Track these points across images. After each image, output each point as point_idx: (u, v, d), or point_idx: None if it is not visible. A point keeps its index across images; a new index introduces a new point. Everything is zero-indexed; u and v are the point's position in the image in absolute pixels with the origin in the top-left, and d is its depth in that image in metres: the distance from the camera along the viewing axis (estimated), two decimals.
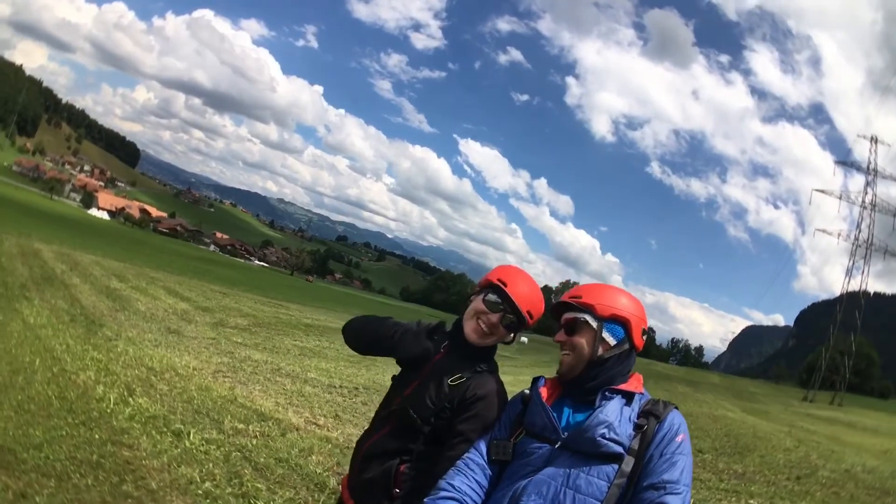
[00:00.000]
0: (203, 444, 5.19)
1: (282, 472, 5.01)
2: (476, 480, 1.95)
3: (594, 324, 2.04)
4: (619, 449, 1.79)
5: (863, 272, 76.98)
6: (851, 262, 77.77)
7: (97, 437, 4.68)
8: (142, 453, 4.61)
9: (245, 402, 7.16)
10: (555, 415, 1.96)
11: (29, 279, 12.73)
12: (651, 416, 1.89)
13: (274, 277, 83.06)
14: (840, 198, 77.92)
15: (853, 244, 77.24)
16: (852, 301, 77.73)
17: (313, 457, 5.58)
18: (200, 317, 14.94)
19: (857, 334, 77.91)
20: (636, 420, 1.88)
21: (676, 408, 1.98)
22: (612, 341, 2.05)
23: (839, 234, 79.05)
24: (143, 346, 9.03)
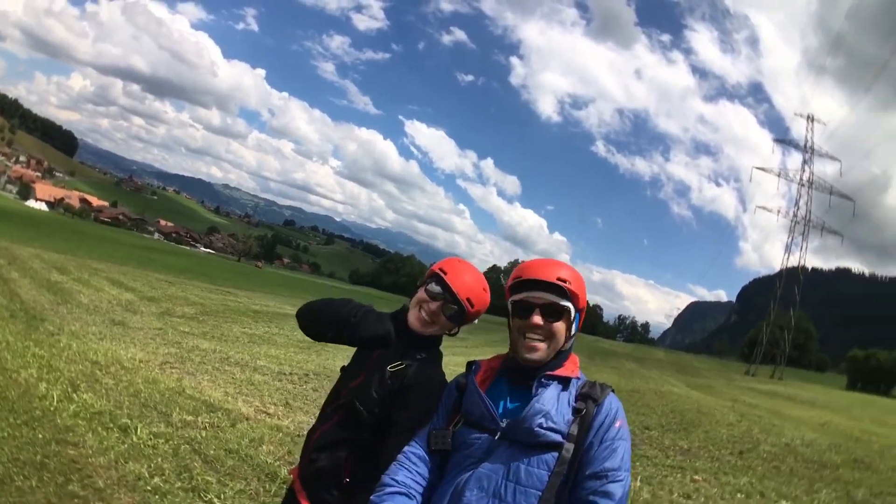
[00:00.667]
0: (151, 439, 5.15)
1: (232, 463, 5.02)
2: (419, 472, 1.95)
3: (572, 315, 2.01)
4: (558, 437, 1.80)
5: (801, 248, 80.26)
6: (790, 238, 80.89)
7: (41, 436, 4.61)
8: (88, 451, 4.56)
9: (193, 393, 7.11)
10: (491, 404, 1.92)
11: None
12: (589, 399, 1.89)
13: (221, 264, 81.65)
14: (779, 175, 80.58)
15: (792, 221, 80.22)
16: (791, 277, 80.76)
17: (264, 447, 5.60)
18: (146, 307, 14.66)
19: (797, 309, 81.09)
20: (574, 404, 1.88)
21: (613, 390, 1.98)
22: (573, 331, 2.05)
23: (779, 211, 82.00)
24: (86, 339, 8.85)
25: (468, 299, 2.23)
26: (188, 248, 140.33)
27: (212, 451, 5.18)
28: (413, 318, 2.26)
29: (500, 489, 1.78)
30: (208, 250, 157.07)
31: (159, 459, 4.73)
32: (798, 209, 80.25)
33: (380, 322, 2.25)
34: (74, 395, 5.82)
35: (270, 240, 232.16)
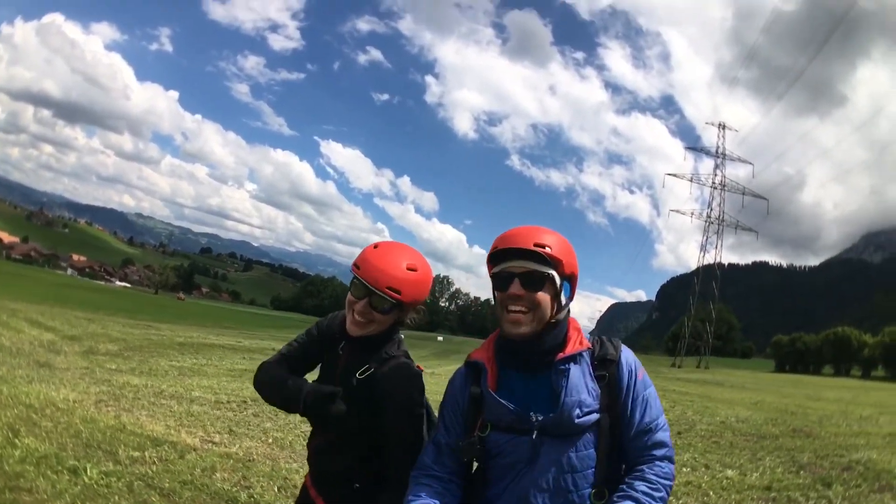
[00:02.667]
0: (103, 478, 5.17)
1: (189, 494, 5.11)
2: (444, 487, 1.96)
3: (558, 281, 1.92)
4: (595, 416, 1.85)
5: (716, 246, 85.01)
6: (705, 237, 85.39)
7: None
8: (42, 496, 4.57)
9: (135, 428, 7.08)
10: (512, 407, 1.87)
11: None
12: (606, 361, 1.92)
13: (139, 298, 78.70)
14: (691, 180, 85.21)
15: (706, 221, 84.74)
16: (708, 273, 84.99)
17: (217, 474, 5.70)
18: (69, 346, 14.21)
19: (716, 303, 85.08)
20: (595, 374, 1.91)
21: (618, 340, 2.01)
22: (563, 300, 1.95)
23: (692, 213, 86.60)
24: (15, 383, 8.59)
25: (389, 288, 2.09)
26: (104, 282, 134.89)
27: (167, 484, 5.24)
28: (349, 323, 2.19)
29: (561, 482, 1.82)
30: (124, 284, 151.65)
31: (116, 497, 4.78)
32: (711, 210, 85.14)
33: (322, 398, 2.15)
34: (16, 440, 5.73)
35: (187, 269, 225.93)
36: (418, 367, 2.29)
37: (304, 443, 2.28)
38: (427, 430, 2.24)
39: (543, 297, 1.89)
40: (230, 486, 5.35)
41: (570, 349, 1.93)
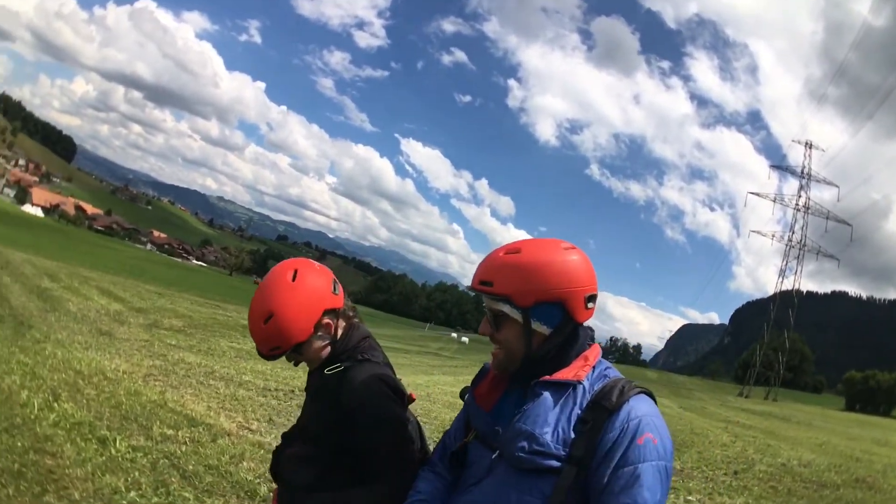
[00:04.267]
0: (129, 452, 5.13)
1: (211, 479, 4.99)
2: (443, 485, 1.82)
3: (517, 316, 1.66)
4: (551, 462, 1.48)
5: (796, 272, 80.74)
6: (785, 262, 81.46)
7: (20, 444, 4.59)
8: (65, 461, 4.54)
9: (175, 406, 7.08)
10: (490, 419, 1.72)
11: None
12: (599, 407, 1.52)
13: (212, 277, 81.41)
14: (774, 200, 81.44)
15: (787, 245, 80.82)
16: (785, 300, 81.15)
17: (244, 463, 5.57)
18: (134, 318, 14.61)
19: (791, 332, 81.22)
20: (580, 414, 1.53)
21: (646, 392, 1.60)
22: (545, 330, 1.66)
23: (773, 236, 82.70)
24: (72, 348, 8.82)
25: (259, 350, 2.07)
26: (180, 259, 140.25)
27: (191, 467, 5.15)
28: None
29: None
30: (200, 263, 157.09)
31: (137, 473, 4.70)
32: (793, 234, 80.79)
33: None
34: (55, 405, 5.79)
35: (263, 254, 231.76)
36: (410, 393, 2.17)
37: None
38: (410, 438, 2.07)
39: (506, 335, 1.71)
40: (253, 478, 5.19)
41: (560, 374, 1.62)
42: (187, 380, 8.88)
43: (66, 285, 16.73)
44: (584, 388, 1.59)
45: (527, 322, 1.65)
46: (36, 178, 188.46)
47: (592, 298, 1.69)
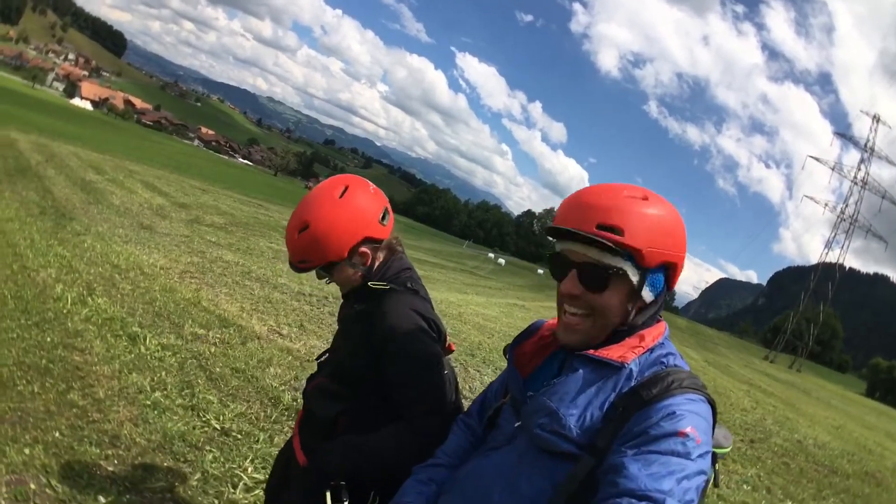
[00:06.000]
0: (158, 350, 5.16)
1: (236, 383, 5.01)
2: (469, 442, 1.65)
3: (635, 277, 1.35)
4: (569, 447, 1.29)
5: (842, 246, 79.06)
6: (833, 234, 79.79)
7: (49, 339, 4.62)
8: (93, 358, 4.57)
9: (209, 305, 7.12)
10: (524, 385, 1.49)
11: (2, 170, 12.39)
12: (635, 396, 1.28)
13: (257, 177, 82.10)
14: (833, 169, 78.90)
15: (838, 217, 78.87)
16: (827, 272, 79.94)
17: (271, 369, 5.60)
18: (176, 213, 14.73)
19: (827, 305, 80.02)
20: (612, 401, 1.30)
21: (697, 390, 1.29)
22: (649, 298, 1.40)
23: (826, 205, 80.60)
24: (111, 242, 8.89)
25: (290, 260, 1.95)
26: (226, 157, 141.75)
27: (217, 369, 5.18)
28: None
29: (492, 494, 1.36)
30: (246, 162, 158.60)
31: (163, 373, 4.73)
32: (846, 207, 78.91)
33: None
34: (89, 299, 5.84)
35: (309, 157, 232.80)
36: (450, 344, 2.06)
37: None
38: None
39: (609, 300, 1.37)
40: (278, 384, 5.21)
41: (605, 352, 1.36)
42: (223, 279, 8.92)
43: (110, 178, 16.90)
44: (630, 372, 1.34)
45: (640, 286, 1.37)
46: (85, 73, 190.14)
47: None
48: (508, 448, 1.42)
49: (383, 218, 1.94)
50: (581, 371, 1.35)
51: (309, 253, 1.88)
